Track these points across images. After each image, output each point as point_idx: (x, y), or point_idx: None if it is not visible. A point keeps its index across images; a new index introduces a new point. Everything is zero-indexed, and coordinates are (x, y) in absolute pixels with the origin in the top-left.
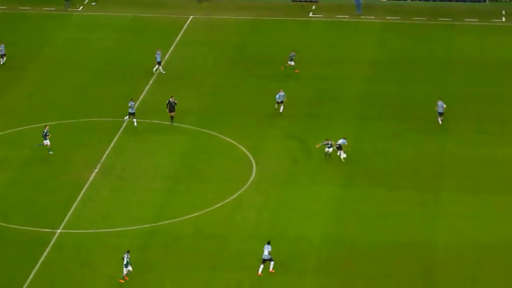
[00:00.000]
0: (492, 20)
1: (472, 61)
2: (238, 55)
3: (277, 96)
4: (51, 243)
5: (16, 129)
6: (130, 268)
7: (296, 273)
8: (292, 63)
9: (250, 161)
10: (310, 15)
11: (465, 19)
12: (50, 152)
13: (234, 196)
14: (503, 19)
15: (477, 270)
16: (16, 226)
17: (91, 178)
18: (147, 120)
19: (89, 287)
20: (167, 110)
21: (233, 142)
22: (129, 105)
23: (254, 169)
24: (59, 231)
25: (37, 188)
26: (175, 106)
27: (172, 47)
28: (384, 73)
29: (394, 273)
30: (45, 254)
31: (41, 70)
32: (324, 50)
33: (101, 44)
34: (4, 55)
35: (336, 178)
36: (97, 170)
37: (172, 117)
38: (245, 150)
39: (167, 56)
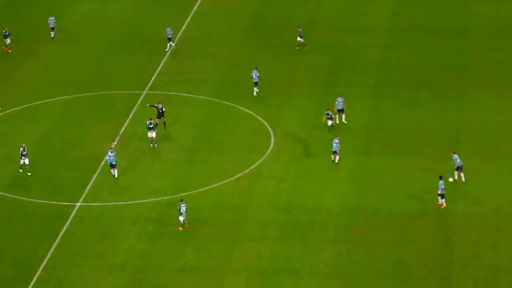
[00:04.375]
0: None
1: (489, 28)
2: (254, 25)
3: (336, 101)
4: (71, 216)
5: (33, 103)
6: (183, 218)
7: (316, 242)
8: (301, 39)
9: (268, 131)
10: None
11: None
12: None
13: (253, 166)
14: None
15: (497, 237)
16: (36, 200)
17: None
18: (164, 92)
19: (109, 259)
20: (156, 117)
21: (250, 112)
22: (254, 74)
23: (273, 139)
24: (78, 204)
25: (56, 162)
26: (164, 113)
27: (189, 18)
28: (401, 41)
29: (414, 241)
30: (65, 227)
31: (57, 43)
32: (341, 19)
33: (117, 16)
34: (53, 28)
35: (354, 147)
36: (115, 142)
37: (164, 123)
38: (263, 121)
39: (183, 27)
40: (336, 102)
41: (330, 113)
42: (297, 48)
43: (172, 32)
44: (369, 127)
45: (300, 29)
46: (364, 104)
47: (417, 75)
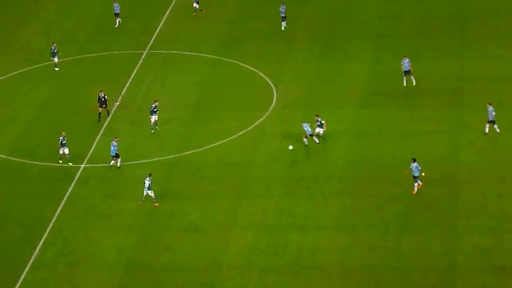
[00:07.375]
0: None
1: None
2: None
3: (402, 63)
4: (76, 178)
5: (36, 65)
6: (150, 192)
7: (321, 196)
8: (197, 5)
9: (271, 87)
10: None
11: None
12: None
13: (256, 123)
14: None
15: (502, 186)
16: (41, 163)
17: (112, 111)
18: (164, 51)
19: (115, 219)
20: (98, 105)
21: (253, 69)
22: (282, 9)
23: (275, 96)
24: (83, 165)
25: (59, 124)
26: (106, 101)
27: None
28: None
29: (418, 192)
30: (70, 189)
31: (55, 4)
32: None
33: None
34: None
35: (356, 100)
36: (118, 103)
37: (107, 112)
38: (265, 77)
39: None
40: (402, 63)
41: (320, 119)
42: (194, 14)
43: (120, 8)
44: (370, 79)
45: None
46: (365, 56)
47: (417, 26)
